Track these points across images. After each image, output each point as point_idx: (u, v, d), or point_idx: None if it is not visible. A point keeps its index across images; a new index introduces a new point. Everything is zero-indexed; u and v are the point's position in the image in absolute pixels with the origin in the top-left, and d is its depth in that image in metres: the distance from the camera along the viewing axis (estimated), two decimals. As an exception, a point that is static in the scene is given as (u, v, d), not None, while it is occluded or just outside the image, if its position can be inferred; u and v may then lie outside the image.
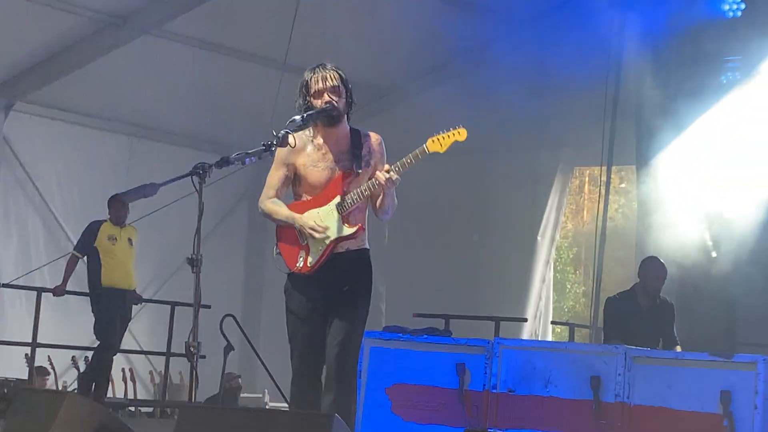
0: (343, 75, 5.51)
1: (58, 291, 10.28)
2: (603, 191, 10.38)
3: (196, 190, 5.03)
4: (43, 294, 10.63)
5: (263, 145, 5.23)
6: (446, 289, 12.42)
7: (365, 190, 5.38)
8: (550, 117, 12.40)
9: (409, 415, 7.07)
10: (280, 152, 5.42)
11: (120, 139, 13.05)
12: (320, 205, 5.46)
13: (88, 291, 10.10)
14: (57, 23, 11.28)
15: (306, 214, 5.44)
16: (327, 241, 5.39)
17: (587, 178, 17.70)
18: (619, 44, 10.22)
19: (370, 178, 5.43)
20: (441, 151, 5.36)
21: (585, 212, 18.79)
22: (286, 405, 8.21)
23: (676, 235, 9.69)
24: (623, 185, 17.44)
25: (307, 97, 5.44)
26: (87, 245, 10.03)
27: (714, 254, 9.77)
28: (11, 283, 11.24)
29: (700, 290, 9.34)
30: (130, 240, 10.14)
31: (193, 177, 5.07)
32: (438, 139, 5.35)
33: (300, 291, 5.49)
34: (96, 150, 12.75)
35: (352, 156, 5.44)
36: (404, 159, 5.34)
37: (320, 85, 5.44)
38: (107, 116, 12.83)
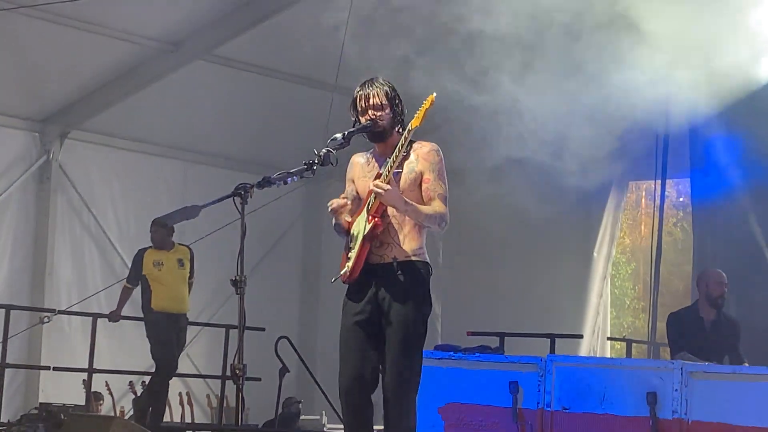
0: (389, 90, 5.47)
1: (114, 316, 10.36)
2: (657, 204, 10.23)
3: (239, 210, 5.02)
4: (99, 320, 10.72)
5: (305, 164, 5.22)
6: (502, 307, 12.30)
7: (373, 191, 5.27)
8: (604, 130, 12.25)
9: (463, 434, 7.01)
10: (348, 170, 5.53)
11: (175, 164, 13.13)
12: (361, 212, 5.45)
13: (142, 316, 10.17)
14: (110, 51, 11.39)
15: (354, 222, 5.45)
16: (357, 244, 5.32)
17: (644, 193, 17.48)
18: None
19: (421, 184, 5.37)
20: (418, 124, 5.27)
21: (642, 227, 18.56)
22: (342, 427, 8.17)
23: (732, 246, 9.53)
24: (681, 199, 17.20)
25: (354, 116, 5.46)
26: (136, 274, 10.15)
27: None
28: (68, 310, 11.33)
29: (759, 302, 9.15)
30: (180, 261, 10.17)
31: (235, 198, 5.05)
32: (416, 116, 5.30)
33: (348, 306, 5.41)
34: (151, 175, 12.84)
35: (393, 163, 5.33)
36: (393, 155, 5.29)
37: (363, 103, 5.45)
38: (161, 142, 12.92)
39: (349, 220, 5.48)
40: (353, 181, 5.56)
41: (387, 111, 5.43)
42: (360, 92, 5.46)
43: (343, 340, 5.37)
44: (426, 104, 5.33)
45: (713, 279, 8.61)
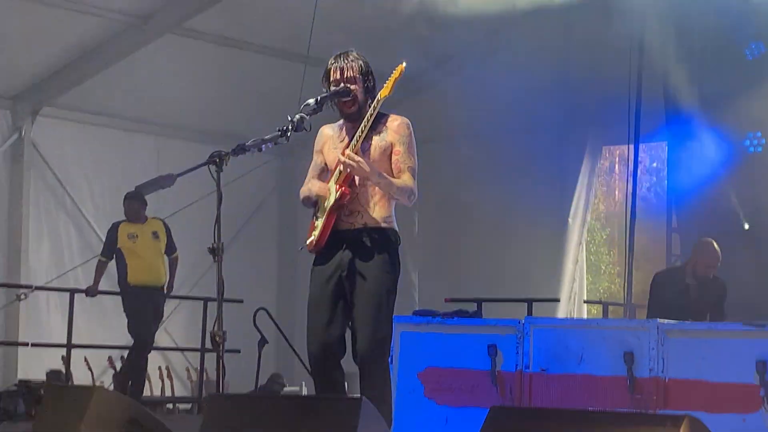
0: (363, 65, 5.49)
1: (91, 291, 10.33)
2: (631, 170, 10.28)
3: (214, 178, 5.03)
4: (77, 295, 10.70)
5: (279, 130, 5.23)
6: (478, 274, 12.37)
7: (341, 167, 5.29)
8: (575, 96, 12.32)
9: (443, 398, 7.04)
10: (316, 141, 5.53)
11: (147, 138, 13.09)
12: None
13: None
14: (80, 26, 11.32)
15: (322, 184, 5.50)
16: (325, 211, 5.35)
17: (617, 159, 17.54)
18: (642, 17, 10.12)
19: (390, 156, 5.41)
20: (389, 93, 5.27)
21: (617, 193, 18.63)
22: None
23: (707, 209, 9.60)
24: (654, 164, 17.29)
25: (329, 86, 5.45)
26: (110, 248, 10.11)
27: (747, 226, 9.66)
28: (44, 286, 11.31)
29: (733, 263, 9.22)
30: (155, 234, 10.14)
31: (210, 166, 5.06)
32: (385, 86, 5.29)
33: (316, 275, 5.43)
34: (124, 151, 12.80)
35: (361, 134, 5.35)
36: (361, 126, 5.29)
37: (337, 75, 5.45)
38: (134, 117, 12.87)
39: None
40: (322, 152, 5.59)
41: (360, 84, 5.45)
42: (334, 64, 5.45)
43: (313, 305, 5.40)
44: (395, 74, 5.34)
45: (704, 260, 8.57)
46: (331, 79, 5.43)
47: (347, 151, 5.27)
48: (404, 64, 5.33)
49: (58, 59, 11.72)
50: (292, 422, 4.40)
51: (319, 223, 5.37)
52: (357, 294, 5.29)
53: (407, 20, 12.04)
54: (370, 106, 5.42)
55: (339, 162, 5.31)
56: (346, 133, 5.50)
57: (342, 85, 5.42)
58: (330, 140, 5.55)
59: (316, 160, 5.60)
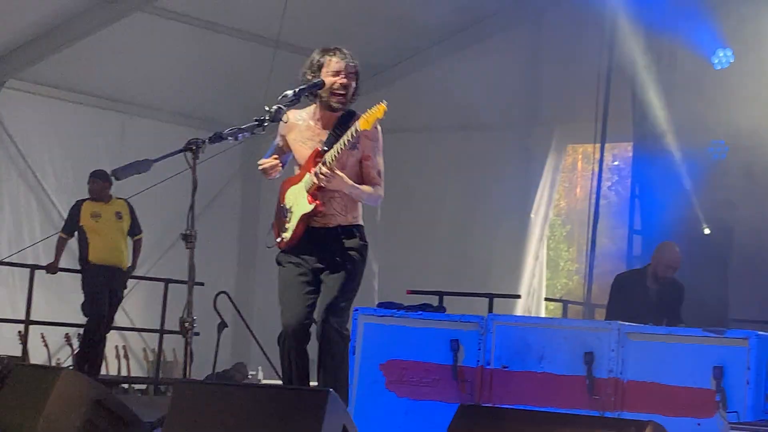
0: (358, 65, 5.58)
1: (51, 268, 10.27)
2: (596, 169, 10.38)
3: (190, 166, 5.03)
4: (37, 272, 10.63)
5: (256, 120, 5.26)
6: (439, 266, 12.43)
7: (314, 178, 5.42)
8: (543, 94, 12.41)
9: (403, 390, 7.09)
10: (281, 125, 5.54)
11: (113, 116, 13.00)
12: (298, 182, 5.59)
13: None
14: (49, 0, 11.22)
15: (288, 190, 5.62)
16: (295, 219, 5.52)
17: (580, 156, 17.69)
18: (613, 19, 10.21)
19: (361, 161, 5.53)
20: (368, 128, 5.34)
21: (578, 190, 18.77)
22: (280, 382, 8.24)
23: (669, 213, 9.71)
24: (616, 163, 17.44)
25: (318, 74, 5.49)
26: (72, 225, 10.04)
27: (707, 231, 9.79)
28: (4, 261, 11.22)
29: (693, 267, 9.34)
30: (118, 214, 10.09)
31: (186, 153, 5.07)
32: (365, 117, 5.33)
33: (288, 262, 5.62)
34: (89, 127, 12.70)
35: (333, 136, 5.49)
36: (337, 145, 5.38)
37: (341, 65, 5.49)
38: (100, 94, 12.79)
39: (278, 176, 5.64)
40: (285, 138, 5.65)
41: (354, 83, 5.54)
42: (333, 58, 5.50)
43: (286, 287, 5.58)
44: (377, 112, 5.31)
45: (664, 262, 8.64)
46: (333, 68, 5.47)
47: (324, 168, 5.36)
48: (385, 103, 5.33)
49: (26, 32, 11.61)
50: (259, 412, 4.43)
51: (290, 227, 5.55)
52: (326, 277, 5.54)
53: (378, 11, 12.09)
54: (345, 110, 5.54)
55: (316, 175, 5.41)
56: (322, 128, 5.55)
57: (342, 76, 5.47)
58: (298, 130, 5.60)
59: (278, 143, 5.69)
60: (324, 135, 5.54)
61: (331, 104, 5.51)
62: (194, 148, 5.04)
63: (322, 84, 5.47)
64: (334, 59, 5.49)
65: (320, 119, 5.58)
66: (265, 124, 5.27)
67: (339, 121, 5.54)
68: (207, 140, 5.11)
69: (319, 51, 5.56)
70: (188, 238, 4.98)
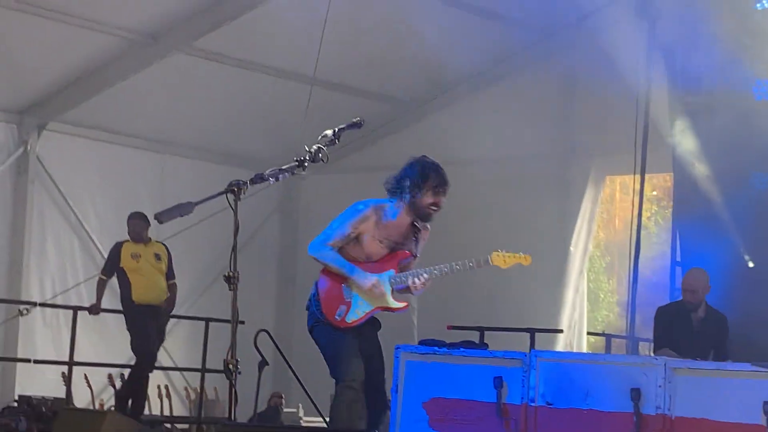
0: None
1: (94, 309, 10.32)
2: (636, 200, 10.29)
3: (232, 207, 5.05)
4: (80, 313, 10.68)
5: (296, 160, 5.28)
6: (479, 301, 12.34)
7: (411, 281, 6.07)
8: (580, 125, 12.37)
9: (447, 429, 7.03)
10: (361, 216, 5.98)
11: (153, 156, 13.11)
12: (375, 272, 6.01)
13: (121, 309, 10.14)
14: (89, 43, 11.36)
15: (369, 275, 6.02)
16: (374, 305, 5.99)
17: (618, 186, 17.58)
18: (649, 51, 10.17)
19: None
20: (503, 267, 6.35)
21: (617, 221, 18.66)
22: (320, 419, 8.22)
23: (711, 245, 9.61)
24: (654, 192, 17.34)
25: (421, 188, 5.96)
26: (112, 266, 10.11)
27: (751, 264, 9.67)
28: (47, 302, 11.29)
29: (736, 300, 9.23)
30: (157, 255, 10.15)
31: (228, 195, 5.08)
32: (503, 256, 6.30)
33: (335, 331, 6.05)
34: (129, 168, 12.82)
35: (414, 242, 6.08)
36: (460, 264, 6.19)
37: (440, 192, 6.08)
38: (139, 134, 12.91)
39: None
40: (359, 231, 6.02)
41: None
42: (441, 185, 6.05)
43: (340, 343, 5.99)
44: (521, 260, 6.63)
45: (685, 285, 8.62)
46: (433, 188, 5.99)
47: (425, 283, 6.12)
48: (530, 258, 6.51)
49: (66, 75, 11.76)
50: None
51: (361, 311, 6.04)
52: (372, 357, 6.21)
53: (411, 48, 12.13)
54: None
55: (418, 287, 6.15)
56: (395, 231, 6.01)
57: (441, 200, 6.08)
58: (375, 228, 5.99)
59: (349, 233, 5.98)
60: (395, 236, 6.05)
61: (425, 215, 6.04)
62: (236, 189, 5.06)
63: (361, 123, 5.54)
64: (439, 181, 6.04)
65: (398, 221, 6.03)
66: (306, 164, 5.29)
67: (413, 229, 6.10)
68: (249, 182, 5.13)
69: (435, 168, 6.05)
70: (231, 280, 4.97)
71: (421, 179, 5.94)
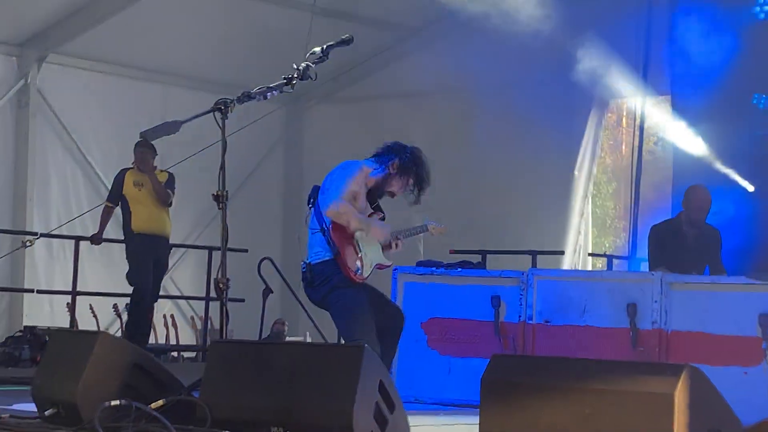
0: None
1: (95, 239, 10.30)
2: (638, 123, 10.24)
3: (219, 125, 5.02)
4: (84, 243, 10.71)
5: (284, 78, 5.24)
6: (483, 226, 12.33)
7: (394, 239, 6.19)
8: (584, 48, 12.24)
9: (446, 348, 7.10)
10: (359, 176, 6.01)
11: (154, 87, 13.05)
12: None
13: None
14: (85, -27, 11.27)
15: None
16: (376, 260, 6.07)
17: (624, 112, 17.45)
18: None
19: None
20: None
21: (623, 147, 18.57)
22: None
23: (710, 165, 9.57)
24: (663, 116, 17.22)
25: (407, 173, 6.07)
26: (116, 194, 10.05)
27: (751, 188, 9.62)
28: (51, 233, 11.31)
29: (737, 220, 9.20)
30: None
31: (215, 113, 5.06)
32: (433, 230, 6.57)
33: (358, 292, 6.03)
34: (130, 99, 12.76)
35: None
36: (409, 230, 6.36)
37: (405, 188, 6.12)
38: (140, 65, 12.83)
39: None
40: (358, 187, 6.03)
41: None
42: (419, 184, 6.13)
43: (366, 303, 5.94)
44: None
45: (695, 204, 8.54)
46: (398, 183, 6.07)
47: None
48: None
49: (65, 6, 11.66)
50: (296, 369, 4.42)
51: (370, 264, 6.07)
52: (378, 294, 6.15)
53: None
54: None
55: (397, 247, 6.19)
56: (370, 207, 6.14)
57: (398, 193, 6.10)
58: (364, 189, 6.07)
59: (356, 190, 6.00)
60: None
61: (385, 193, 6.13)
62: (223, 107, 5.03)
63: (350, 40, 5.50)
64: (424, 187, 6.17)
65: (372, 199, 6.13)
66: (294, 82, 5.25)
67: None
68: (235, 99, 5.10)
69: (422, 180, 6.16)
70: (219, 199, 4.95)
71: (410, 170, 6.05)
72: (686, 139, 10.05)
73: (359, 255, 5.98)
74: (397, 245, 6.18)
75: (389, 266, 6.28)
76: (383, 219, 6.19)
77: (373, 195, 6.09)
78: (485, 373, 3.82)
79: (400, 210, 6.59)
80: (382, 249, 6.13)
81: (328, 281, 5.88)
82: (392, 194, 6.12)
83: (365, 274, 6.01)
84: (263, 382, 4.46)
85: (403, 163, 6.02)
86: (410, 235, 6.37)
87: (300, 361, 4.48)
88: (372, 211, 6.13)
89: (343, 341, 6.18)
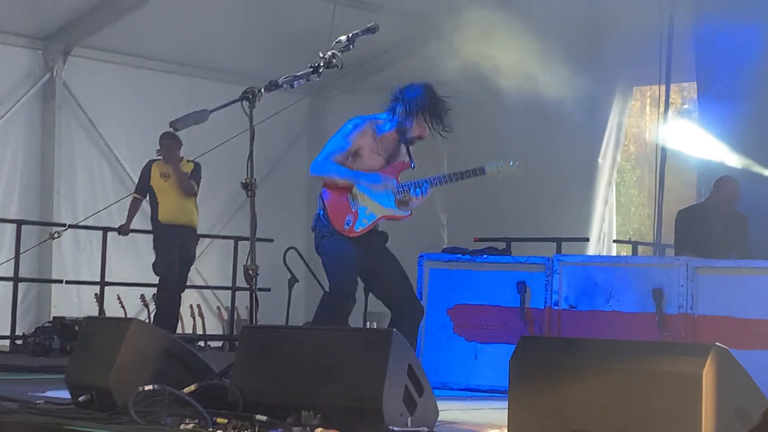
0: None
1: (123, 230, 10.41)
2: (662, 110, 10.22)
3: (247, 114, 5.07)
4: (112, 234, 10.80)
5: (311, 66, 5.28)
6: (508, 214, 12.32)
7: (413, 190, 6.12)
8: (607, 35, 12.22)
9: (472, 334, 7.13)
10: (357, 130, 6.04)
11: (180, 80, 13.11)
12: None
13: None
14: (110, -34, 11.33)
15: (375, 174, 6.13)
16: (379, 214, 6.03)
17: (648, 100, 17.39)
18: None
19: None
20: (496, 177, 6.66)
21: (647, 134, 18.50)
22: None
23: (734, 152, 9.53)
24: (686, 106, 17.16)
25: (415, 113, 6.02)
26: (143, 185, 10.17)
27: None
28: (78, 224, 11.40)
29: (759, 201, 9.17)
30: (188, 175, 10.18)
31: (243, 102, 5.11)
32: (497, 169, 6.63)
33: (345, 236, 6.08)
34: (156, 92, 12.82)
35: (407, 154, 6.14)
36: (458, 174, 6.31)
37: (424, 130, 6.06)
38: (165, 57, 12.89)
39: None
40: (359, 145, 6.06)
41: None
42: (436, 116, 6.02)
43: (345, 255, 6.03)
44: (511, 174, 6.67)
45: (725, 197, 8.54)
46: (415, 126, 6.01)
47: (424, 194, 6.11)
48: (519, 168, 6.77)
49: (90, 0, 11.73)
50: (326, 353, 4.47)
51: (368, 219, 6.06)
52: (386, 263, 6.14)
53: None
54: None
55: (419, 197, 6.11)
56: (389, 145, 6.11)
57: (425, 130, 6.05)
58: (373, 141, 6.06)
59: (350, 147, 6.02)
60: (388, 150, 6.13)
61: (407, 139, 6.09)
62: (251, 96, 5.08)
63: (375, 28, 5.53)
64: (423, 122, 6.06)
65: (389, 137, 6.11)
66: (320, 70, 5.29)
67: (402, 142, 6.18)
68: (263, 88, 5.15)
69: (434, 93, 6.14)
70: (248, 187, 5.01)
71: (415, 109, 6.01)
72: (712, 125, 10.02)
73: (353, 210, 6.05)
74: (417, 196, 6.09)
75: (406, 217, 6.20)
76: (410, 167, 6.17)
77: (402, 145, 6.12)
78: (513, 355, 3.86)
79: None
80: (399, 203, 6.13)
81: (319, 232, 6.17)
82: (420, 137, 6.11)
83: (357, 229, 6.04)
84: (293, 366, 4.52)
85: (407, 107, 6.03)
86: (453, 180, 6.28)
87: (329, 346, 4.53)
88: (385, 164, 6.12)
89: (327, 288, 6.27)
